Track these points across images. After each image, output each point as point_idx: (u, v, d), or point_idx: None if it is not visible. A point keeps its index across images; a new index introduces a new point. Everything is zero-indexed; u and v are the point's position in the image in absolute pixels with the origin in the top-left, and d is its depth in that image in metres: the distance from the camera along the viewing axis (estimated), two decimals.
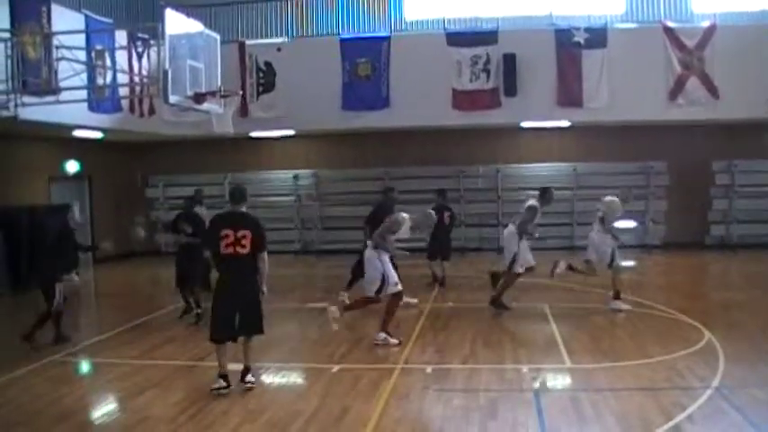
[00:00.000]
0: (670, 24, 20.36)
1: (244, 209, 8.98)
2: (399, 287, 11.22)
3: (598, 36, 20.10)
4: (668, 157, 22.56)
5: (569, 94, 20.12)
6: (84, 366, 10.92)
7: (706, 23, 20.39)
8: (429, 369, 9.79)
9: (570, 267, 13.67)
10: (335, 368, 9.88)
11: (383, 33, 21.29)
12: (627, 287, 14.37)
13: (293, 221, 24.18)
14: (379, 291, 11.15)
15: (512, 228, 13.35)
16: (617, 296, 13.41)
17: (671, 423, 7.46)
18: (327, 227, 24.10)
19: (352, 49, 20.69)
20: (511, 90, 19.97)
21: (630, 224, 22.36)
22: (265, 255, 8.79)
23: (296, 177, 24.35)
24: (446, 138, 22.48)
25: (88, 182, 22.88)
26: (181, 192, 23.89)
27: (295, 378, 9.92)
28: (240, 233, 8.57)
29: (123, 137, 21.00)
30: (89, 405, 8.91)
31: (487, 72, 20.25)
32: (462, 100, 20.35)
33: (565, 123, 21.33)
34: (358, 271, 13.27)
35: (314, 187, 24.31)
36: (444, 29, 20.88)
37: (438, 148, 22.79)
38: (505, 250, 13.56)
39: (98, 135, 19.66)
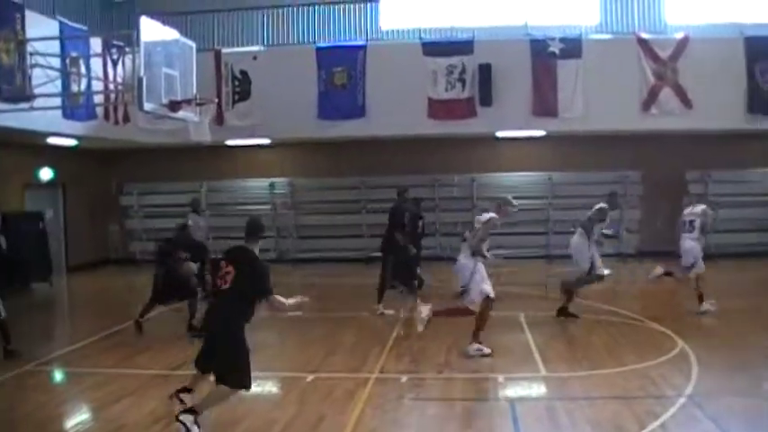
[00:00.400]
0: (644, 36, 20.55)
1: (255, 247, 7.89)
2: (490, 294, 10.97)
3: (573, 46, 20.23)
4: (642, 167, 22.70)
5: (544, 104, 20.24)
6: (59, 376, 10.84)
7: (679, 35, 20.59)
8: (404, 378, 9.80)
9: (667, 273, 14.32)
10: (310, 377, 9.86)
11: (359, 42, 21.31)
12: (603, 295, 14.46)
13: (269, 230, 24.06)
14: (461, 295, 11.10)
15: (578, 235, 13.63)
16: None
17: (644, 431, 7.51)
18: (303, 235, 24.04)
19: (328, 57, 20.70)
20: (486, 100, 20.06)
21: (606, 233, 22.49)
22: (275, 300, 7.71)
23: (271, 186, 24.29)
24: (422, 147, 22.50)
25: (62, 189, 22.71)
26: (157, 200, 23.95)
27: (270, 387, 9.88)
28: (228, 268, 7.62)
29: (98, 144, 20.88)
30: (64, 415, 8.83)
31: (463, 82, 20.33)
32: (438, 109, 20.41)
33: (540, 133, 21.43)
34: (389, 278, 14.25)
35: (289, 196, 24.25)
36: (420, 38, 20.92)
37: (413, 157, 22.78)
38: (577, 258, 13.72)
39: (72, 142, 19.53)
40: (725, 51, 20.19)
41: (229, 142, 22.03)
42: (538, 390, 9.57)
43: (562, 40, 20.31)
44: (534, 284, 16.70)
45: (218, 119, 19.87)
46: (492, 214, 11.32)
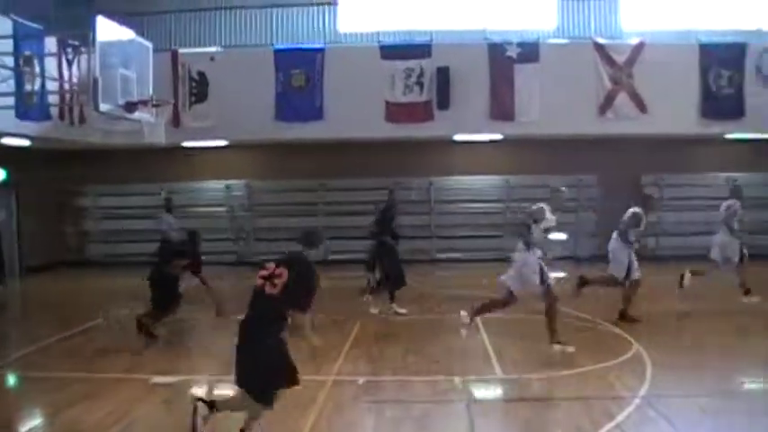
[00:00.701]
0: (600, 41, 20.79)
1: (310, 255, 7.43)
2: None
3: (530, 51, 20.42)
4: (598, 171, 22.89)
5: (502, 108, 20.39)
6: (12, 380, 10.67)
7: (635, 41, 20.86)
8: (361, 381, 9.78)
9: (693, 272, 14.87)
10: None
11: (317, 45, 21.29)
12: (562, 298, 14.51)
13: (226, 232, 23.96)
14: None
15: (615, 240, 13.81)
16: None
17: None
18: (260, 238, 23.89)
19: (287, 60, 20.66)
20: (444, 103, 20.17)
21: (562, 236, 22.63)
22: (305, 320, 7.29)
23: (228, 188, 24.16)
24: (379, 150, 22.46)
25: (15, 191, 22.38)
26: (113, 202, 23.73)
27: (227, 391, 9.79)
28: (279, 270, 7.06)
29: (53, 145, 20.59)
30: (18, 419, 8.69)
31: (421, 85, 20.41)
32: (395, 112, 20.48)
33: (497, 136, 21.53)
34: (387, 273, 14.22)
35: (246, 198, 24.13)
36: (378, 42, 20.99)
37: (371, 160, 22.74)
38: (614, 261, 13.82)
39: (26, 143, 19.25)
40: (679, 57, 20.54)
41: (186, 144, 21.89)
42: (494, 392, 9.62)
43: (520, 44, 20.48)
44: (490, 287, 16.69)
45: (175, 120, 19.75)
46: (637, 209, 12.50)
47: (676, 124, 20.65)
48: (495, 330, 12.78)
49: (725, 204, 14.15)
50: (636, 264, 13.64)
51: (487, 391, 9.61)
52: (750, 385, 10.02)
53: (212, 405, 7.40)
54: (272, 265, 7.09)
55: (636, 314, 13.62)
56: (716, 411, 8.39)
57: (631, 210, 13.78)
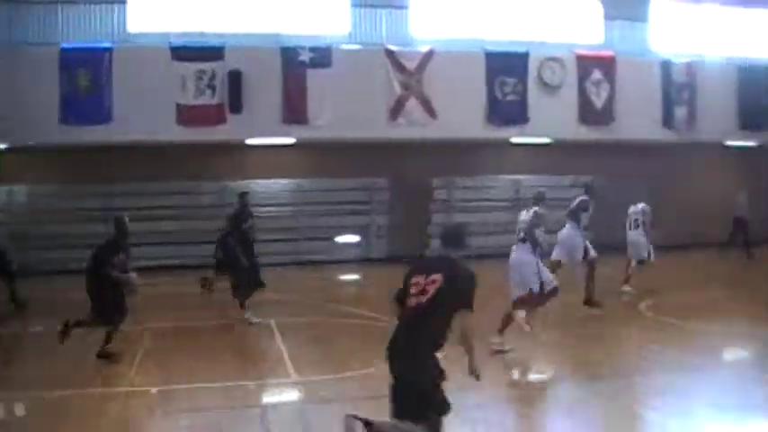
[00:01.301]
0: (391, 47, 21.25)
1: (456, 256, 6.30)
2: (555, 283, 11.68)
3: (323, 56, 20.60)
4: (390, 174, 23.29)
5: (294, 112, 20.44)
6: None
7: (425, 48, 21.46)
8: (154, 390, 9.52)
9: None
10: (57, 393, 9.35)
11: (105, 44, 20.53)
12: (352, 299, 14.73)
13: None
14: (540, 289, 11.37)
15: (569, 228, 14.28)
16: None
17: None
18: (38, 246, 22.32)
19: (73, 59, 19.80)
20: (236, 106, 20.00)
21: (354, 239, 23.02)
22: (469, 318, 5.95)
23: (10, 193, 22.79)
24: (171, 153, 21.79)
25: None
26: None
27: (14, 407, 9.25)
28: (434, 277, 5.94)
29: None
30: None
31: (213, 88, 20.13)
32: (187, 115, 20.07)
33: (290, 140, 21.54)
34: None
35: (26, 205, 22.78)
36: (169, 43, 20.47)
37: (162, 164, 22.03)
38: (570, 250, 14.13)
39: None
40: (467, 65, 21.40)
41: None
42: (289, 395, 9.63)
43: (312, 49, 20.62)
44: (285, 291, 16.73)
45: None
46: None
47: (464, 129, 21.44)
48: (291, 334, 12.79)
49: (578, 199, 14.79)
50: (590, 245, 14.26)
51: (282, 395, 9.60)
52: (530, 376, 10.51)
53: (369, 423, 5.97)
54: (419, 279, 5.98)
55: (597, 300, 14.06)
56: (515, 400, 8.75)
57: (580, 197, 14.41)
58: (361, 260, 22.67)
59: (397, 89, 21.09)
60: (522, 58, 22.27)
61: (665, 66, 23.86)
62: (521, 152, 24.03)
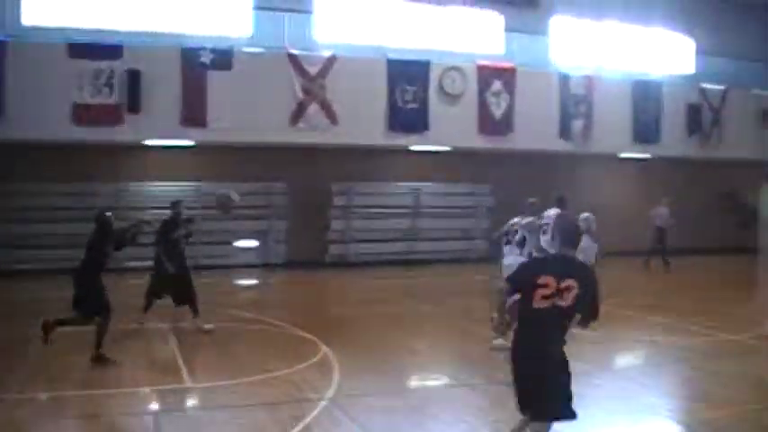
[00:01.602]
0: (294, 51, 21.12)
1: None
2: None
3: (224, 58, 20.34)
4: (290, 179, 23.09)
5: (193, 114, 20.10)
6: None
7: (328, 53, 21.42)
8: (44, 397, 9.19)
9: None
10: None
11: None
12: (250, 304, 14.57)
13: None
14: None
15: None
16: None
17: None
18: None
19: None
20: (134, 107, 19.55)
21: (253, 243, 22.81)
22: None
23: None
24: (67, 153, 21.17)
25: None
26: None
27: None
28: (567, 283, 6.03)
29: None
30: None
31: (111, 87, 19.62)
32: (83, 114, 19.48)
33: (189, 142, 21.19)
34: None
35: None
36: (66, 38, 19.87)
37: (56, 165, 21.35)
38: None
39: None
40: (369, 71, 21.50)
41: None
42: (182, 401, 9.40)
43: (213, 50, 20.35)
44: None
45: None
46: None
47: (365, 135, 21.52)
48: (185, 339, 12.57)
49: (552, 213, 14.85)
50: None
51: (175, 402, 9.37)
52: (428, 382, 10.63)
53: None
54: (549, 280, 6.00)
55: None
56: (396, 409, 8.80)
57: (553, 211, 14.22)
58: (260, 265, 22.48)
59: (299, 93, 20.98)
60: (424, 66, 22.46)
61: (564, 79, 24.41)
62: (420, 160, 24.20)
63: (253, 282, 20.87)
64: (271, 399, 9.02)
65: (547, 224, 11.63)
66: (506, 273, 11.34)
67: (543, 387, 6.10)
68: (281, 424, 8.01)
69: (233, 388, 9.59)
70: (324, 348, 11.52)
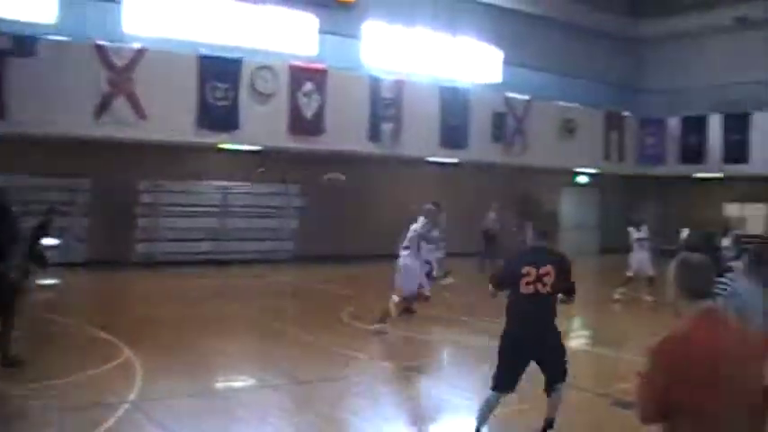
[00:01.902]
0: (101, 42, 20.39)
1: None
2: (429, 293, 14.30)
3: (26, 45, 19.36)
4: (93, 175, 22.19)
5: None
6: None
7: (137, 46, 20.82)
8: None
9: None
10: None
11: None
12: (48, 305, 13.99)
13: None
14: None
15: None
16: None
17: None
18: None
19: None
20: None
21: (55, 242, 21.83)
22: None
23: None
24: None
25: None
26: None
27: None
28: (545, 269, 7.30)
29: None
30: None
31: None
32: None
33: None
34: None
35: None
36: None
37: None
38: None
39: None
40: (180, 67, 21.11)
41: None
42: None
43: (14, 37, 19.33)
44: None
45: None
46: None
47: (174, 132, 21.07)
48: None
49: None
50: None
51: None
52: (234, 384, 10.52)
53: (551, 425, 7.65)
54: (530, 269, 7.23)
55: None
56: (202, 411, 8.69)
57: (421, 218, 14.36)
58: (60, 264, 21.54)
59: (105, 86, 20.26)
60: (236, 64, 22.26)
61: (374, 81, 24.82)
62: (230, 158, 23.94)
63: (52, 281, 20.01)
64: (71, 402, 8.67)
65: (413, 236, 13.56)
66: (403, 271, 13.45)
67: (547, 352, 7.42)
68: (80, 428, 7.72)
69: (28, 394, 9.14)
70: (127, 350, 11.17)
